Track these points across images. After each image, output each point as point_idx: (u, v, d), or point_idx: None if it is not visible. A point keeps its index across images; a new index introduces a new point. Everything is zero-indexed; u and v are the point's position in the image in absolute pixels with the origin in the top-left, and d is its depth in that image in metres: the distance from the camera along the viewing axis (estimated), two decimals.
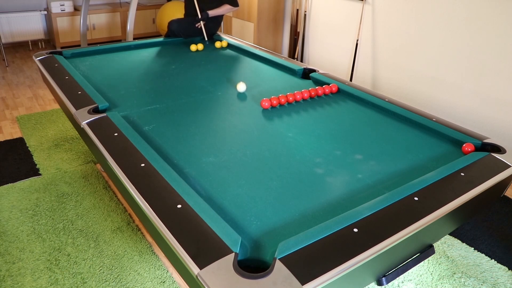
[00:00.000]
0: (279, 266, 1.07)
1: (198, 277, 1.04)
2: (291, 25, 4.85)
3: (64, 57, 2.85)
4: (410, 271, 2.07)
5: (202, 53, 3.09)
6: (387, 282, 1.33)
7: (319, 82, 2.55)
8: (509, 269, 2.11)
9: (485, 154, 1.71)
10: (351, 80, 4.26)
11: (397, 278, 2.01)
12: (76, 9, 5.36)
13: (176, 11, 5.10)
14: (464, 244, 2.26)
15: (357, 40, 4.09)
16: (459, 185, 1.48)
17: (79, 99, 2.09)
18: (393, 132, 1.96)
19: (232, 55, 3.07)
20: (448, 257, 2.17)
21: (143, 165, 1.51)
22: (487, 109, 3.15)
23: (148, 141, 1.79)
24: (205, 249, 1.12)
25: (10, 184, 2.61)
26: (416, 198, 1.39)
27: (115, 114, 1.93)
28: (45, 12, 5.35)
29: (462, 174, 1.55)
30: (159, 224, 1.22)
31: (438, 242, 2.27)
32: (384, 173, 1.61)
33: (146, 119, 2.01)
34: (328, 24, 4.44)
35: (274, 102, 2.17)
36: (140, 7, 5.69)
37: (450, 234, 2.33)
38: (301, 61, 4.86)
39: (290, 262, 1.09)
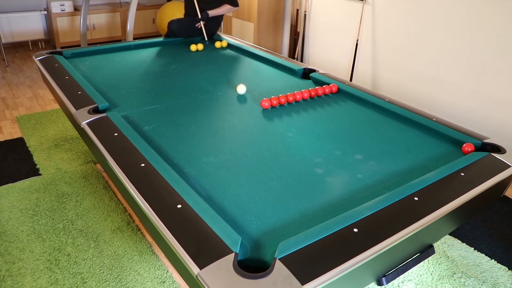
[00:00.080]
0: (279, 266, 1.07)
1: (198, 277, 1.04)
2: (291, 25, 4.85)
3: (64, 57, 2.85)
4: (410, 271, 2.07)
5: (202, 53, 3.09)
6: (387, 282, 1.33)
7: (319, 82, 2.55)
8: (509, 269, 2.11)
9: (485, 154, 1.71)
10: (351, 80, 4.26)
11: (397, 278, 2.01)
12: (76, 9, 5.36)
13: (176, 11, 5.10)
14: (464, 244, 2.26)
15: (357, 40, 4.09)
16: (459, 185, 1.48)
17: (79, 99, 2.09)
18: (393, 132, 1.96)
19: (232, 55, 3.07)
20: (448, 257, 2.17)
21: (143, 165, 1.51)
22: (487, 109, 3.15)
23: (148, 141, 1.79)
24: (205, 249, 1.12)
25: (10, 184, 2.61)
26: (416, 198, 1.39)
27: (115, 114, 1.93)
28: (45, 12, 5.35)
29: (462, 174, 1.55)
30: (159, 224, 1.22)
31: (438, 242, 2.27)
32: (384, 173, 1.61)
33: (146, 119, 2.01)
34: (328, 24, 4.44)
35: (274, 102, 2.17)
36: (140, 7, 5.69)
37: (450, 234, 2.33)
38: (301, 61, 4.86)
39: (290, 262, 1.09)
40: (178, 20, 3.39)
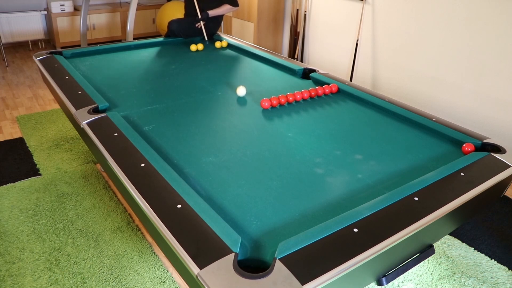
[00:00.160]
0: (279, 266, 1.07)
1: (198, 277, 1.04)
2: (291, 25, 4.85)
3: (64, 57, 2.85)
4: (410, 271, 2.07)
5: (202, 53, 3.09)
6: (387, 282, 1.33)
7: (319, 82, 2.55)
8: (509, 269, 2.11)
9: (485, 154, 1.71)
10: (351, 80, 4.26)
11: (397, 278, 2.01)
12: (76, 9, 5.36)
13: (176, 11, 5.10)
14: (464, 244, 2.26)
15: (357, 40, 4.09)
16: (459, 185, 1.48)
17: (79, 99, 2.09)
18: (393, 132, 1.96)
19: (232, 55, 3.07)
20: (448, 257, 2.17)
21: (143, 165, 1.51)
22: (487, 109, 3.15)
23: (148, 141, 1.79)
24: (205, 249, 1.12)
25: (10, 184, 2.61)
26: (416, 198, 1.39)
27: (115, 114, 1.93)
28: (45, 12, 5.35)
29: (462, 174, 1.55)
30: (159, 224, 1.22)
31: (438, 242, 2.27)
32: (384, 173, 1.61)
33: (146, 119, 2.01)
34: (328, 24, 4.44)
35: (274, 102, 2.17)
36: (140, 7, 5.69)
37: (450, 234, 2.33)
38: (301, 61, 4.86)
39: (290, 262, 1.09)
40: (178, 20, 3.39)
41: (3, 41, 5.17)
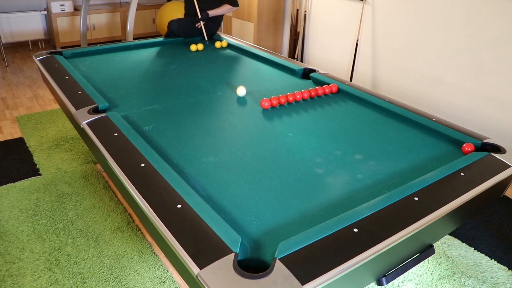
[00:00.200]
0: (279, 266, 1.07)
1: (198, 277, 1.04)
2: (291, 25, 4.85)
3: (64, 57, 2.85)
4: (410, 271, 2.07)
5: (202, 53, 3.09)
6: (387, 282, 1.33)
7: (319, 82, 2.55)
8: (509, 269, 2.11)
9: (485, 154, 1.71)
10: (351, 80, 4.26)
11: (397, 278, 2.01)
12: (76, 9, 5.36)
13: (176, 11, 5.10)
14: (464, 244, 2.26)
15: (357, 40, 4.09)
16: (459, 185, 1.48)
17: (79, 99, 2.09)
18: (393, 132, 1.96)
19: (232, 55, 3.07)
20: (448, 257, 2.17)
21: (143, 165, 1.51)
22: (487, 109, 3.15)
23: (148, 141, 1.79)
24: (205, 249, 1.12)
25: (10, 184, 2.61)
26: (416, 198, 1.39)
27: (115, 114, 1.93)
28: (45, 12, 5.35)
29: (462, 174, 1.55)
30: (159, 224, 1.22)
31: (438, 242, 2.27)
32: (384, 173, 1.61)
33: (146, 119, 2.01)
34: (328, 24, 4.44)
35: (274, 102, 2.17)
36: (140, 7, 5.69)
37: (450, 234, 2.33)
38: (301, 61, 4.86)
39: (290, 262, 1.09)
40: (178, 20, 3.39)
41: (3, 41, 5.17)
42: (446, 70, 3.37)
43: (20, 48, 5.46)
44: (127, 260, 2.06)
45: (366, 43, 4.04)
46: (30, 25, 5.28)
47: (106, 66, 2.73)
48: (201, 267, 1.06)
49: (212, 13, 3.41)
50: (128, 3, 5.73)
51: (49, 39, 5.65)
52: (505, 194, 2.76)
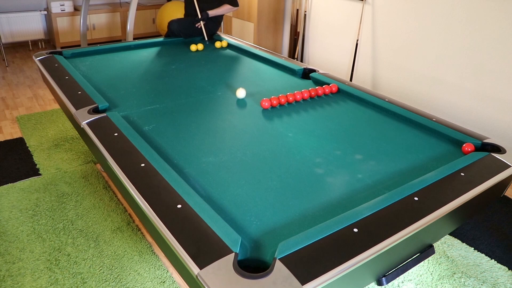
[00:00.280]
0: (279, 266, 1.07)
1: (198, 277, 1.04)
2: (291, 25, 4.85)
3: (64, 57, 2.85)
4: (410, 271, 2.07)
5: (202, 53, 3.09)
6: (387, 282, 1.33)
7: (319, 82, 2.55)
8: (509, 269, 2.11)
9: (485, 154, 1.71)
10: (351, 80, 4.26)
11: (397, 278, 2.01)
12: (76, 9, 5.36)
13: (176, 11, 5.10)
14: (464, 244, 2.26)
15: (357, 40, 4.09)
16: (459, 185, 1.48)
17: (79, 99, 2.09)
18: (393, 132, 1.96)
19: (232, 55, 3.07)
20: (448, 257, 2.17)
21: (143, 165, 1.51)
22: (487, 109, 3.15)
23: (148, 141, 1.79)
24: (205, 249, 1.12)
25: (10, 184, 2.61)
26: (416, 198, 1.39)
27: (115, 114, 1.93)
28: (45, 12, 5.35)
29: (462, 174, 1.55)
30: (159, 224, 1.22)
31: (438, 242, 2.27)
32: (384, 173, 1.61)
33: (146, 119, 2.01)
34: (328, 24, 4.44)
35: (274, 102, 2.17)
36: (140, 7, 5.69)
37: (450, 234, 2.33)
38: (301, 61, 4.86)
39: (290, 262, 1.09)
40: (178, 20, 3.39)
41: (3, 41, 5.17)
42: (446, 70, 3.37)
43: (20, 48, 5.46)
44: (127, 260, 2.06)
45: (366, 43, 4.04)
46: (30, 25, 5.28)
47: (106, 66, 2.73)
48: (201, 267, 1.06)
49: (212, 13, 3.41)
50: (128, 3, 5.73)
51: (49, 39, 5.65)
52: (505, 194, 2.76)
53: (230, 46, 3.29)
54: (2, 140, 3.15)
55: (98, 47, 3.04)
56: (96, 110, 2.01)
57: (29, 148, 3.03)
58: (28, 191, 2.55)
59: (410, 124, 2.05)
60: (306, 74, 2.69)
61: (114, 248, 2.13)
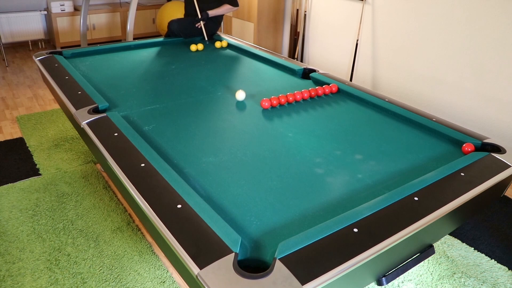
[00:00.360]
0: (279, 266, 1.07)
1: (198, 277, 1.04)
2: (291, 25, 4.85)
3: (64, 57, 2.85)
4: (410, 271, 2.07)
5: (202, 53, 3.09)
6: (387, 282, 1.33)
7: (319, 82, 2.55)
8: (509, 269, 2.11)
9: (485, 154, 1.71)
10: (351, 80, 4.26)
11: (397, 278, 2.01)
12: (76, 9, 5.36)
13: (176, 11, 5.10)
14: (464, 244, 2.26)
15: (357, 40, 4.09)
16: (459, 185, 1.48)
17: (79, 99, 2.09)
18: (393, 132, 1.96)
19: (232, 55, 3.07)
20: (448, 257, 2.17)
21: (143, 165, 1.51)
22: (487, 109, 3.15)
23: (148, 141, 1.79)
24: (205, 249, 1.12)
25: (10, 184, 2.61)
26: (416, 198, 1.39)
27: (115, 114, 1.93)
28: (45, 12, 5.35)
29: (462, 174, 1.55)
30: (159, 224, 1.22)
31: (438, 242, 2.27)
32: (384, 173, 1.61)
33: (146, 119, 2.01)
34: (328, 24, 4.44)
35: (274, 102, 2.17)
36: (140, 7, 5.69)
37: (450, 234, 2.33)
38: (301, 61, 4.86)
39: (290, 262, 1.09)
40: (178, 20, 3.39)
41: (3, 41, 5.17)
42: (446, 70, 3.37)
43: (20, 48, 5.46)
44: (127, 260, 2.06)
45: (366, 43, 4.04)
46: (30, 25, 5.28)
47: (106, 66, 2.73)
48: (201, 267, 1.06)
49: (212, 13, 3.41)
50: (128, 3, 5.73)
51: (49, 39, 5.65)
52: (505, 194, 2.76)
53: (230, 46, 3.29)
54: (2, 140, 3.15)
55: (98, 47, 3.04)
56: (96, 110, 2.01)
57: (29, 148, 3.03)
58: (28, 191, 2.55)
59: (410, 124, 2.05)
60: (306, 74, 2.69)
61: (114, 248, 2.13)
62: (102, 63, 2.78)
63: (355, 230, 1.23)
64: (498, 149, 1.78)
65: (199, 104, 2.20)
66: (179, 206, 1.29)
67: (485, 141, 1.83)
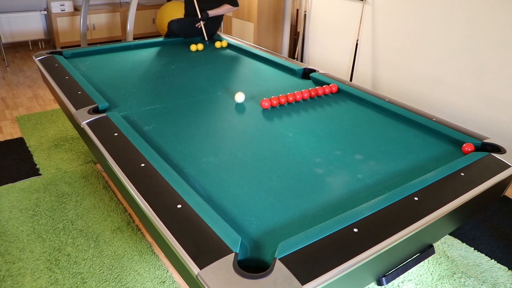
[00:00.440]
0: (279, 266, 1.07)
1: (198, 277, 1.04)
2: (291, 25, 4.85)
3: (64, 57, 2.85)
4: (410, 271, 2.07)
5: (202, 53, 3.09)
6: (387, 282, 1.33)
7: (319, 82, 2.55)
8: (509, 269, 2.11)
9: (485, 154, 1.71)
10: (351, 80, 4.26)
11: (397, 278, 2.01)
12: (76, 9, 5.36)
13: (176, 11, 5.10)
14: (464, 244, 2.26)
15: (357, 40, 4.09)
16: (459, 185, 1.48)
17: (79, 99, 2.09)
18: (393, 132, 1.96)
19: (232, 55, 3.07)
20: (448, 257, 2.17)
21: (143, 165, 1.51)
22: (487, 109, 3.15)
23: (148, 141, 1.79)
24: (205, 249, 1.12)
25: (10, 184, 2.61)
26: (416, 198, 1.39)
27: (115, 114, 1.93)
28: (45, 12, 5.35)
29: (462, 174, 1.55)
30: (159, 224, 1.22)
31: (438, 242, 2.27)
32: (384, 173, 1.61)
33: (146, 119, 2.01)
34: (328, 24, 4.44)
35: (274, 102, 2.17)
36: (140, 7, 5.69)
37: (450, 234, 2.33)
38: (301, 61, 4.86)
39: (290, 262, 1.09)
40: (178, 20, 3.39)
41: (3, 41, 5.17)
42: (446, 70, 3.37)
43: (20, 48, 5.46)
44: (127, 260, 2.06)
45: (366, 43, 4.04)
46: (30, 25, 5.28)
47: (106, 66, 2.73)
48: (201, 267, 1.06)
49: (212, 13, 3.41)
50: (128, 3, 5.73)
51: (49, 39, 5.65)
52: (505, 194, 2.76)
53: (230, 46, 3.29)
54: (2, 140, 3.15)
55: (98, 47, 3.04)
56: (96, 110, 2.01)
57: (29, 148, 3.03)
58: (28, 191, 2.55)
59: (410, 124, 2.05)
60: (306, 74, 2.69)
61: (114, 248, 2.13)
62: (102, 63, 2.78)
63: (355, 230, 1.23)
64: (498, 149, 1.78)
65: (199, 104, 2.20)
66: (179, 206, 1.29)
67: (485, 141, 1.83)
